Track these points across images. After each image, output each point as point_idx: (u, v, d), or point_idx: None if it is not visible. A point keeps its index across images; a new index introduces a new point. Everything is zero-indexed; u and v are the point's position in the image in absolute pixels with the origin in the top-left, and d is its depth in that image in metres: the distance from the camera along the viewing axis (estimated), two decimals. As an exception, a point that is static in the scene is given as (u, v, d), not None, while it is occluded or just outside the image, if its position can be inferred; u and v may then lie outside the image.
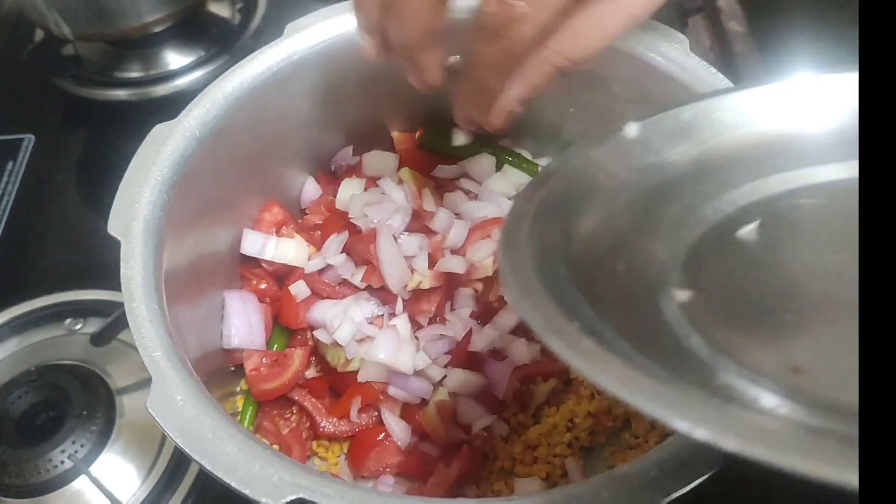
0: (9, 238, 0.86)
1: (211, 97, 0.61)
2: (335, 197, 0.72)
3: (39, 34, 1.03)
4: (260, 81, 0.63)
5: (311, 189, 0.74)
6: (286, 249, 0.69)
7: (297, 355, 0.65)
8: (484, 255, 0.65)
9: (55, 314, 0.76)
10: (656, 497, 0.40)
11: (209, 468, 0.43)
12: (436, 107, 0.75)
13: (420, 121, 0.76)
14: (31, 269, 0.84)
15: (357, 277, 0.66)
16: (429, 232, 0.67)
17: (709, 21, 1.13)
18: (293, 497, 0.41)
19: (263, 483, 0.42)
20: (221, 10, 1.05)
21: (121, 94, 0.97)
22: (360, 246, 0.66)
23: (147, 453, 0.65)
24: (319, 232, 0.72)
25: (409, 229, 0.67)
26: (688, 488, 0.41)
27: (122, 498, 0.62)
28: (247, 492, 0.42)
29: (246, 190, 0.68)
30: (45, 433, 0.64)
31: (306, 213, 0.74)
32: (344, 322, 0.63)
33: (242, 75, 0.63)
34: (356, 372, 0.63)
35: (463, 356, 0.64)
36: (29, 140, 0.95)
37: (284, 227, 0.71)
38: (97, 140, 0.97)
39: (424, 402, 0.62)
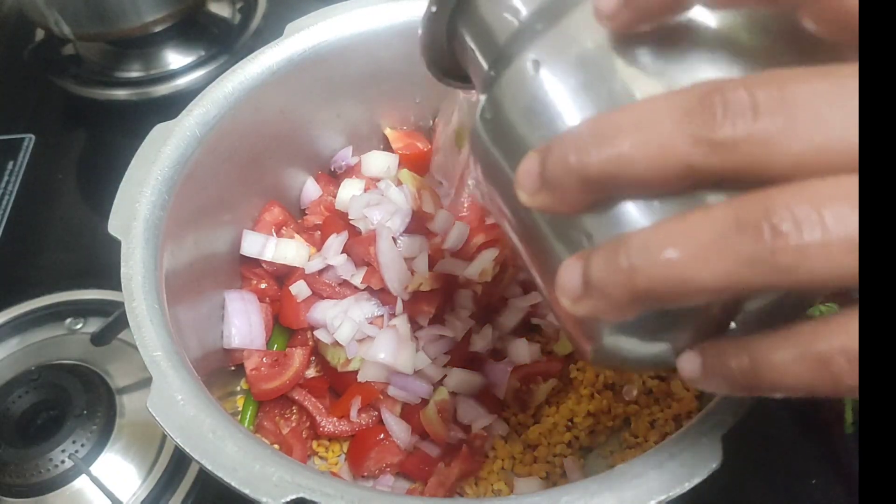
0: (9, 238, 0.86)
1: (211, 97, 0.61)
2: (335, 197, 0.72)
3: (40, 34, 1.03)
4: (260, 81, 0.63)
5: (311, 189, 0.74)
6: (286, 250, 0.68)
7: (298, 355, 0.65)
8: (482, 265, 0.64)
9: (55, 314, 0.76)
10: (656, 496, 0.40)
11: (209, 468, 0.43)
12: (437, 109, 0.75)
13: (421, 122, 0.76)
14: (31, 269, 0.84)
15: (357, 278, 0.66)
16: (428, 233, 0.67)
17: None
18: (293, 496, 0.41)
19: (263, 483, 0.42)
20: (221, 10, 1.06)
21: (121, 94, 0.97)
22: (360, 248, 0.66)
23: (147, 453, 0.65)
24: (319, 232, 0.72)
25: (409, 231, 0.66)
26: (688, 488, 0.41)
27: (122, 497, 0.62)
28: (247, 491, 0.42)
29: (246, 190, 0.68)
30: (45, 433, 0.64)
31: (306, 214, 0.74)
32: (344, 322, 0.63)
33: (242, 75, 0.63)
34: (356, 372, 0.63)
35: (462, 356, 0.64)
36: (29, 140, 0.95)
37: (284, 228, 0.71)
38: (97, 140, 0.97)
39: (424, 401, 0.62)
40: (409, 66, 0.70)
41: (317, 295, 0.67)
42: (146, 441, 0.65)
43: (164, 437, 0.63)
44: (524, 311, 0.67)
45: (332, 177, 0.76)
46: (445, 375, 0.63)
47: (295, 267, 0.69)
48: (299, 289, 0.67)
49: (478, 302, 0.66)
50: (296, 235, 0.71)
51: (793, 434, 0.65)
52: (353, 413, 0.63)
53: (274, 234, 0.70)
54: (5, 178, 0.91)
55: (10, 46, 1.07)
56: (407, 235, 0.66)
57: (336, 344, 0.63)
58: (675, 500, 0.41)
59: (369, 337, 0.63)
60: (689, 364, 0.31)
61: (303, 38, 0.65)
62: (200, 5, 1.00)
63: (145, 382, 0.49)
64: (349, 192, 0.71)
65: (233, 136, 0.63)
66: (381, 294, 0.65)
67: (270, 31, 0.71)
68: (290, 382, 0.64)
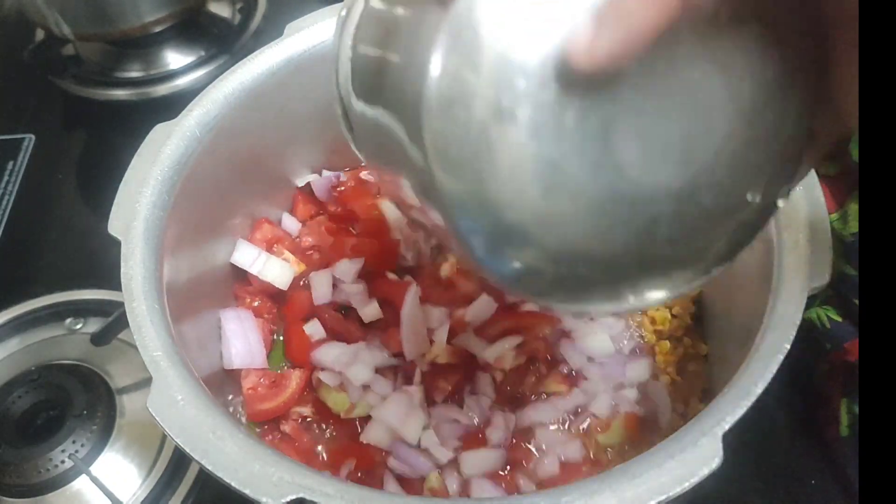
0: (9, 238, 0.86)
1: (211, 97, 0.61)
2: (333, 212, 0.71)
3: (40, 34, 1.03)
4: (260, 81, 0.63)
5: (290, 224, 0.73)
6: (271, 268, 0.68)
7: (295, 377, 0.64)
8: (501, 350, 0.62)
9: (55, 314, 0.75)
10: (656, 496, 0.40)
11: (209, 468, 0.43)
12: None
13: None
14: (31, 269, 0.84)
15: (368, 311, 0.65)
16: (453, 305, 0.65)
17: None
18: (293, 497, 0.41)
19: (263, 483, 0.42)
20: (221, 10, 1.06)
21: (121, 94, 0.97)
22: (388, 287, 0.65)
23: (147, 453, 0.65)
24: (317, 254, 0.71)
25: (436, 300, 0.65)
26: (688, 487, 0.41)
27: (122, 497, 0.62)
28: (247, 492, 0.42)
29: (247, 190, 0.68)
30: (45, 433, 0.64)
31: (298, 237, 0.73)
32: (357, 363, 0.62)
33: (242, 75, 0.63)
34: (355, 422, 0.61)
35: (477, 442, 0.60)
36: (29, 140, 0.95)
37: (276, 245, 0.70)
38: (97, 140, 0.97)
39: (422, 479, 0.59)
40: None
41: (329, 331, 0.66)
42: (146, 441, 0.65)
43: (164, 437, 0.63)
44: (563, 413, 0.61)
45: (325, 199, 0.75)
46: (452, 458, 0.59)
47: (297, 285, 0.68)
48: (314, 329, 0.66)
49: (498, 389, 0.63)
50: (286, 252, 0.70)
51: (792, 435, 0.65)
52: (343, 474, 0.60)
53: (265, 250, 0.69)
54: (5, 178, 0.91)
55: (10, 46, 1.07)
56: (431, 305, 0.64)
57: (340, 389, 0.62)
58: (675, 500, 0.41)
59: (374, 392, 0.61)
60: (581, 39, 0.26)
61: (303, 38, 0.65)
62: (200, 5, 1.00)
63: (145, 382, 0.49)
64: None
65: (233, 136, 0.63)
66: (399, 359, 0.64)
67: (270, 31, 0.71)
68: (285, 405, 0.63)
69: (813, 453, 0.64)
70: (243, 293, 0.69)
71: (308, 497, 0.41)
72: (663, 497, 0.40)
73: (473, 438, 0.60)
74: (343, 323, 0.66)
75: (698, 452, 0.42)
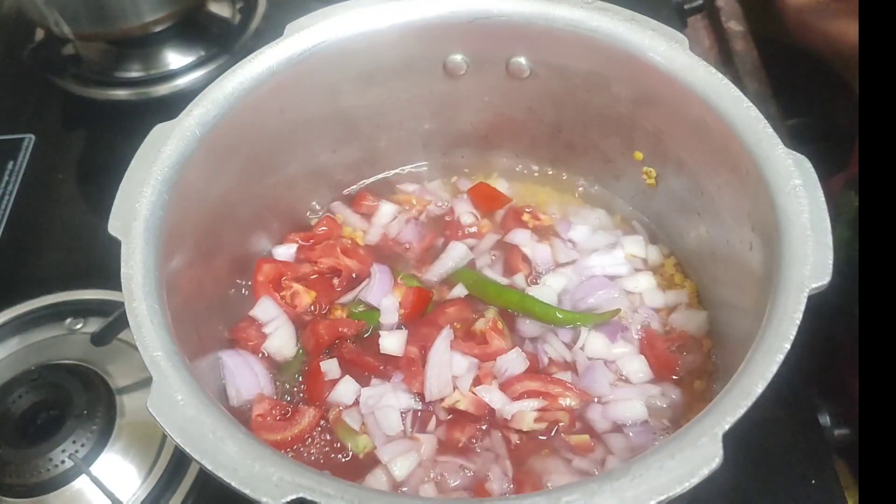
0: (9, 238, 0.86)
1: (211, 97, 0.61)
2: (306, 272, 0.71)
3: (39, 34, 1.03)
4: (260, 81, 0.63)
5: (285, 253, 0.73)
6: (273, 341, 0.67)
7: (308, 415, 0.62)
8: (519, 408, 0.61)
9: (55, 314, 0.76)
10: (656, 496, 0.40)
11: (209, 468, 0.43)
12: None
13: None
14: (31, 269, 0.84)
15: (392, 344, 0.64)
16: (483, 356, 0.64)
17: (709, 21, 1.13)
18: (293, 496, 0.41)
19: (263, 483, 0.42)
20: (221, 10, 1.06)
21: (121, 94, 0.97)
22: (419, 324, 0.66)
23: (147, 453, 0.65)
24: (337, 279, 0.70)
25: (469, 351, 0.64)
26: (688, 487, 0.41)
27: (122, 497, 0.62)
28: (247, 491, 0.42)
29: (247, 189, 0.68)
30: (45, 433, 0.64)
31: (303, 261, 0.72)
32: (387, 411, 0.61)
33: (242, 75, 0.63)
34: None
35: (479, 491, 0.59)
36: (29, 140, 0.95)
37: (283, 280, 0.70)
38: (97, 140, 0.97)
39: None
40: (409, 67, 0.70)
41: (345, 363, 0.65)
42: (146, 441, 0.65)
43: (164, 437, 0.63)
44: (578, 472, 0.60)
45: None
46: None
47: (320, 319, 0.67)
48: (330, 367, 0.64)
49: (511, 454, 0.61)
50: (294, 285, 0.69)
51: (793, 434, 0.65)
52: None
53: (272, 291, 0.69)
54: (5, 178, 0.91)
55: (10, 46, 1.07)
56: (460, 354, 0.64)
57: (363, 431, 0.61)
58: (675, 500, 0.41)
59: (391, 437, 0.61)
60: None
61: (303, 38, 0.65)
62: (200, 5, 1.00)
63: (145, 382, 0.49)
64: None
65: (233, 135, 0.63)
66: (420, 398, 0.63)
67: (270, 31, 0.71)
68: (292, 440, 0.61)
69: (814, 453, 0.64)
70: (243, 336, 0.67)
71: (308, 497, 0.41)
72: (663, 497, 0.40)
73: (478, 488, 0.59)
74: (361, 356, 0.65)
75: (698, 452, 0.42)
